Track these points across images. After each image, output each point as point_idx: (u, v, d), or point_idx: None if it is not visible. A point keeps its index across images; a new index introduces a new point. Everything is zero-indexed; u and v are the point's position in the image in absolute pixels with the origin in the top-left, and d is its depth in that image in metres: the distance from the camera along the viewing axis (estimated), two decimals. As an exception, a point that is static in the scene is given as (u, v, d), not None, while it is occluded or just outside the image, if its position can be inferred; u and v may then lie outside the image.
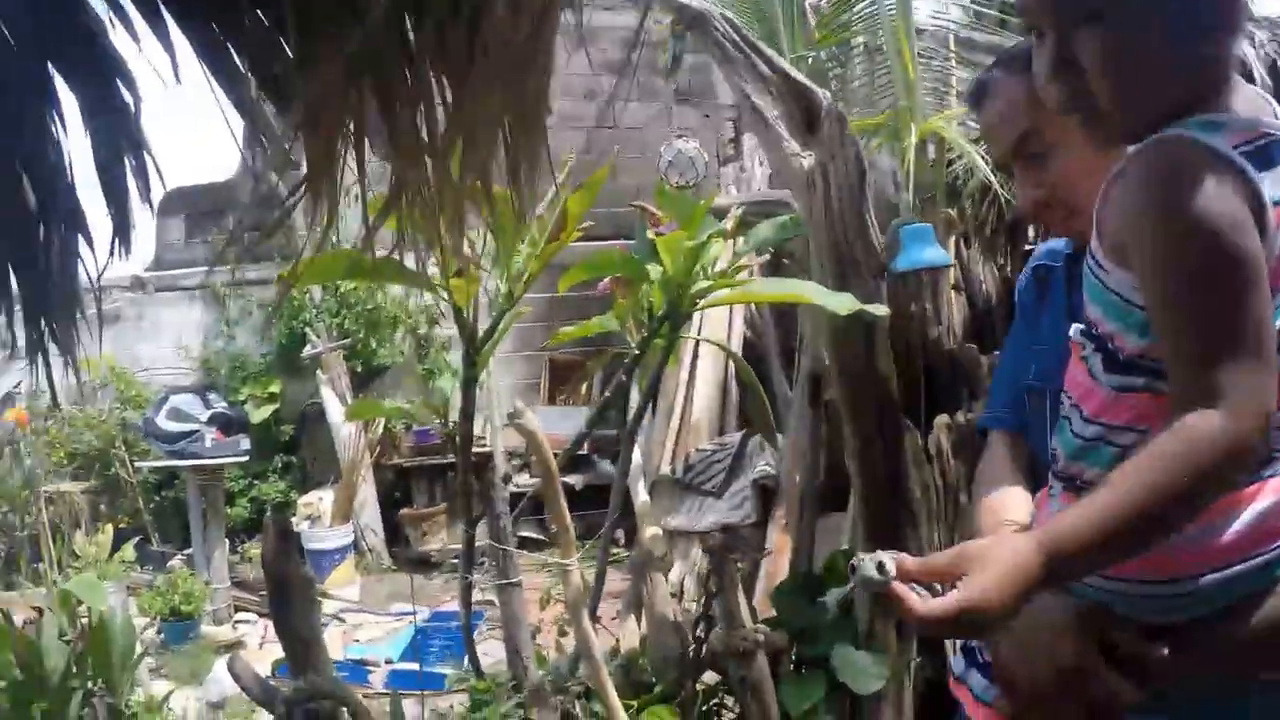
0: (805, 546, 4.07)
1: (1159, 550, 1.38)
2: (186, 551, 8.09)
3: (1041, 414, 1.81)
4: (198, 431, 7.56)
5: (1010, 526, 1.72)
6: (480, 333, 2.98)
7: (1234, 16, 1.42)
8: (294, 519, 8.57)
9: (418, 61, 1.46)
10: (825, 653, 3.14)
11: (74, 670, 4.28)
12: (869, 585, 1.30)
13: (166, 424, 7.71)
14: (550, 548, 6.65)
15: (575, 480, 8.15)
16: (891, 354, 3.34)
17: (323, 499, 8.58)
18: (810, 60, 5.92)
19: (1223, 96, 1.41)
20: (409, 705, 4.13)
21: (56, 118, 2.17)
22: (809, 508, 4.15)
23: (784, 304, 6.00)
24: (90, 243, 2.23)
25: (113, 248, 2.08)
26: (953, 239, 4.55)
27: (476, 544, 3.44)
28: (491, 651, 4.12)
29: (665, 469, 6.94)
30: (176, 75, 1.88)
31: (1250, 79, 1.58)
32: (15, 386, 9.79)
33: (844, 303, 2.95)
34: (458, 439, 3.18)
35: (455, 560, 7.64)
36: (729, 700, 3.49)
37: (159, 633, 6.57)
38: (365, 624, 7.27)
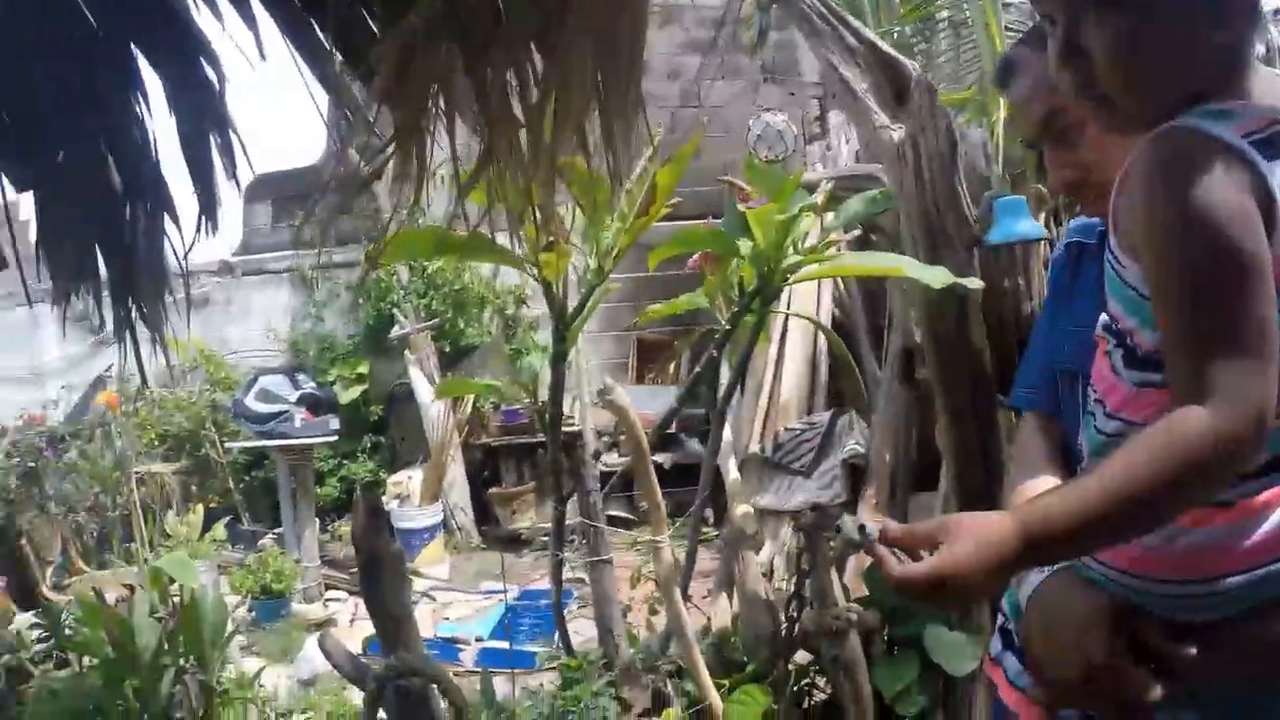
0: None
1: (1187, 551, 1.40)
2: (277, 530, 8.20)
3: (1074, 397, 1.77)
4: (287, 412, 7.65)
5: None
6: (569, 309, 2.96)
7: (1248, 2, 1.38)
8: (383, 498, 8.67)
9: (508, 23, 1.42)
10: (918, 632, 3.10)
11: (166, 648, 4.35)
12: (849, 545, 1.36)
13: (256, 405, 7.81)
14: (639, 526, 6.65)
15: (664, 459, 8.10)
16: (984, 328, 3.28)
17: (411, 478, 8.64)
18: (895, 35, 5.83)
19: (1238, 83, 1.37)
20: (499, 683, 4.15)
21: (141, 99, 2.18)
22: (902, 486, 4.09)
23: (872, 283, 5.92)
24: (176, 222, 2.24)
25: (199, 225, 2.09)
26: (1042, 214, 4.45)
27: (567, 522, 3.43)
28: (581, 630, 4.12)
29: (754, 448, 6.88)
30: (261, 52, 1.87)
31: (1270, 63, 1.51)
32: (106, 370, 10.02)
33: (938, 275, 2.89)
34: (547, 416, 3.17)
35: (545, 539, 7.67)
36: (820, 680, 3.46)
37: (250, 611, 6.66)
38: (455, 602, 7.32)
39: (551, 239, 2.56)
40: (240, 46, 1.90)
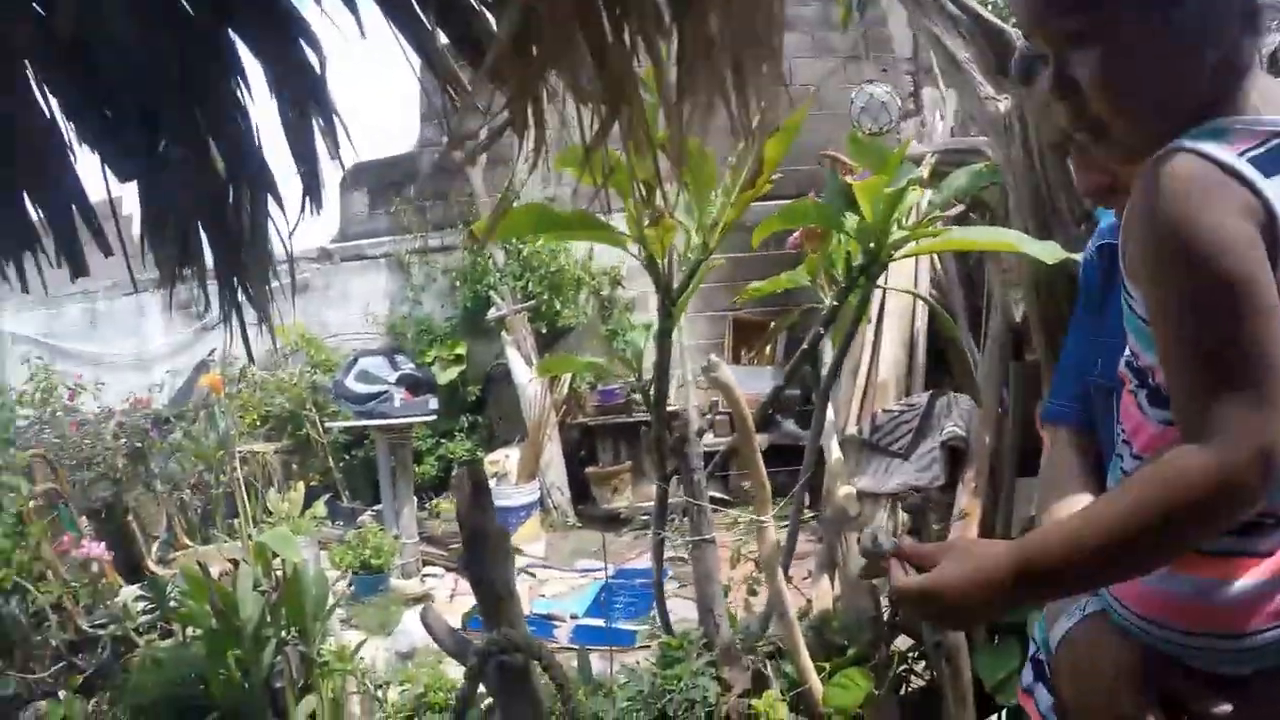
0: (1003, 510, 3.93)
1: (1217, 605, 1.36)
2: (375, 508, 8.32)
3: (1109, 413, 1.65)
4: (386, 392, 7.75)
5: None
6: (674, 285, 2.94)
7: (1238, 12, 1.32)
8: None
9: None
10: (1021, 621, 3.03)
11: (268, 620, 4.43)
12: (866, 553, 1.42)
13: (356, 386, 7.93)
14: (736, 506, 6.60)
15: (761, 440, 8.05)
16: (1096, 306, 3.19)
17: (509, 457, 8.71)
18: (989, 6, 5.70)
19: (1238, 97, 1.32)
20: (594, 660, 4.15)
21: (241, 83, 2.19)
22: (1006, 470, 4.01)
23: (970, 263, 5.80)
24: (281, 205, 2.25)
25: (304, 206, 2.09)
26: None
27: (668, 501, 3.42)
28: (677, 609, 4.10)
29: (851, 429, 6.81)
30: (361, 30, 1.87)
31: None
32: (209, 355, 10.25)
33: (1050, 251, 2.82)
34: (652, 393, 3.15)
35: (644, 517, 7.68)
36: (918, 666, 3.42)
37: (349, 585, 6.76)
38: (550, 580, 7.37)
39: (658, 214, 2.54)
40: (339, 26, 1.90)
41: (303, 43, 2.04)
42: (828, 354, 3.89)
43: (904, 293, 6.34)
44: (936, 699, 3.18)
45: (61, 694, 5.02)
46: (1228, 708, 1.36)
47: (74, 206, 2.58)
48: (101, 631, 5.28)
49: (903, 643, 3.37)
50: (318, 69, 1.97)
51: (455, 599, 6.79)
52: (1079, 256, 2.86)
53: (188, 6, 2.11)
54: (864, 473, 6.50)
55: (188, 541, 7.30)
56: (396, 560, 7.28)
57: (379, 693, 4.50)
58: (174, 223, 2.30)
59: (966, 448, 5.69)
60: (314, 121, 1.96)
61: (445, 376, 9.44)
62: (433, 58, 1.89)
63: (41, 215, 2.68)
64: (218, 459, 7.61)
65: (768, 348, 9.20)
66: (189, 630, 4.88)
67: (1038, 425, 2.17)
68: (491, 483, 8.28)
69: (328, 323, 10.35)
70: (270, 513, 6.79)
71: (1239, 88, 1.32)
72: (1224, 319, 1.22)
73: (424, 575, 7.54)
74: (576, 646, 4.74)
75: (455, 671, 4.80)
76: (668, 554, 4.13)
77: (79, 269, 2.66)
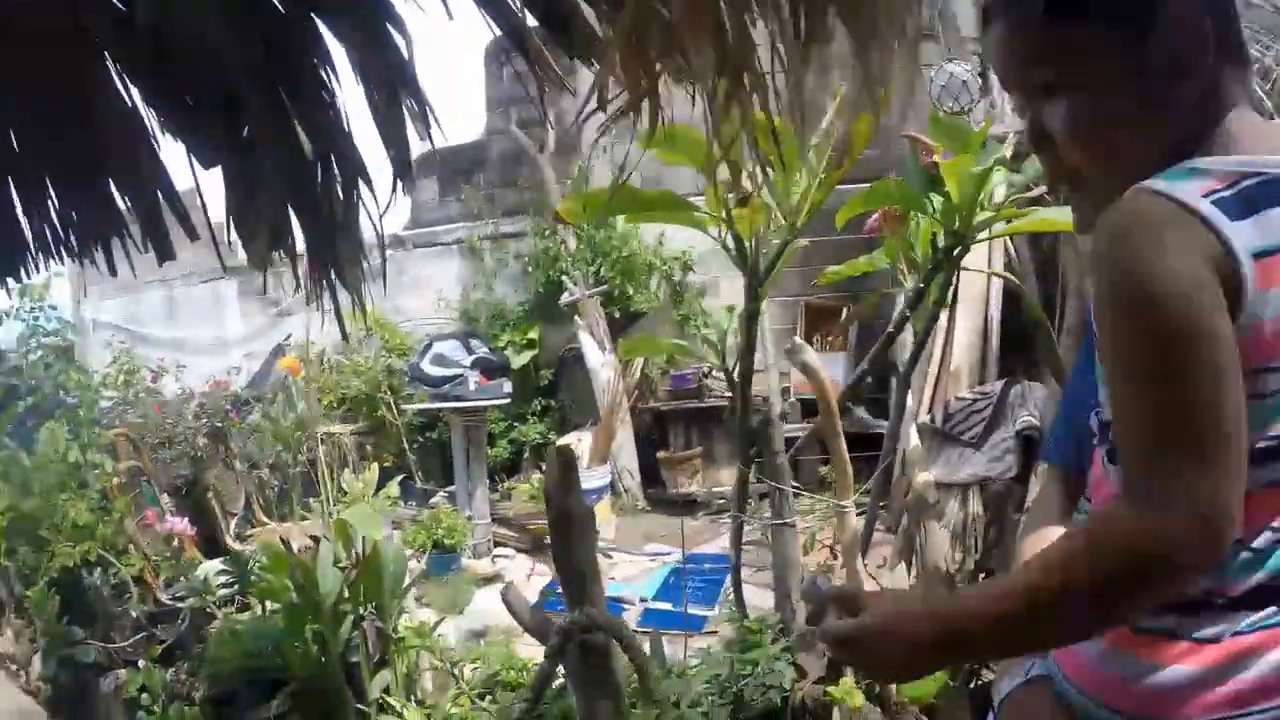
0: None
1: (1156, 689, 1.29)
2: (448, 489, 8.39)
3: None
4: (461, 375, 7.81)
5: None
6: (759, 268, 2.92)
7: (1214, 49, 1.27)
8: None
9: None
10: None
11: (346, 595, 4.49)
12: (805, 596, 1.44)
13: (431, 369, 8.00)
14: (809, 493, 6.58)
15: (834, 426, 8.02)
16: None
17: (581, 440, 8.74)
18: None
19: (1216, 135, 1.27)
20: (663, 645, 4.16)
21: (327, 66, 2.20)
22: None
23: (1044, 249, 5.72)
24: (370, 185, 2.27)
25: (394, 187, 2.10)
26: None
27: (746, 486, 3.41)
28: (749, 595, 4.10)
29: (924, 416, 6.74)
30: (449, 12, 1.87)
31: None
32: (286, 339, 10.39)
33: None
34: (736, 375, 3.14)
35: (720, 501, 7.68)
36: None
37: (422, 564, 6.83)
38: (620, 563, 7.39)
39: (746, 195, 2.53)
40: (424, 8, 1.91)
41: (388, 25, 2.05)
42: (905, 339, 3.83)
43: (990, 274, 6.24)
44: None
45: (141, 663, 5.13)
46: None
47: (159, 193, 2.62)
48: (181, 604, 5.38)
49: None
50: (404, 52, 1.98)
51: (532, 578, 6.85)
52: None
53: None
54: (936, 462, 6.44)
55: (265, 519, 7.42)
56: (468, 541, 7.34)
57: (455, 669, 4.54)
58: (261, 208, 2.32)
59: (1041, 438, 5.62)
60: (403, 104, 1.97)
61: (518, 361, 9.51)
62: (519, 36, 1.89)
63: (127, 202, 2.73)
64: (295, 439, 7.72)
65: (843, 333, 9.13)
66: (268, 604, 4.96)
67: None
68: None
69: (401, 308, 10.45)
70: (345, 493, 6.88)
71: (1219, 125, 1.27)
72: (1173, 373, 1.16)
73: (495, 556, 7.59)
74: (649, 630, 4.76)
75: (526, 651, 4.84)
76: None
77: (165, 254, 2.70)
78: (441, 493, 8.47)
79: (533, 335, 10.01)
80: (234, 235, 2.53)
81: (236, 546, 6.36)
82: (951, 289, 6.95)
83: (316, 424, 7.71)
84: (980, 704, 3.38)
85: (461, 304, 10.64)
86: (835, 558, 3.88)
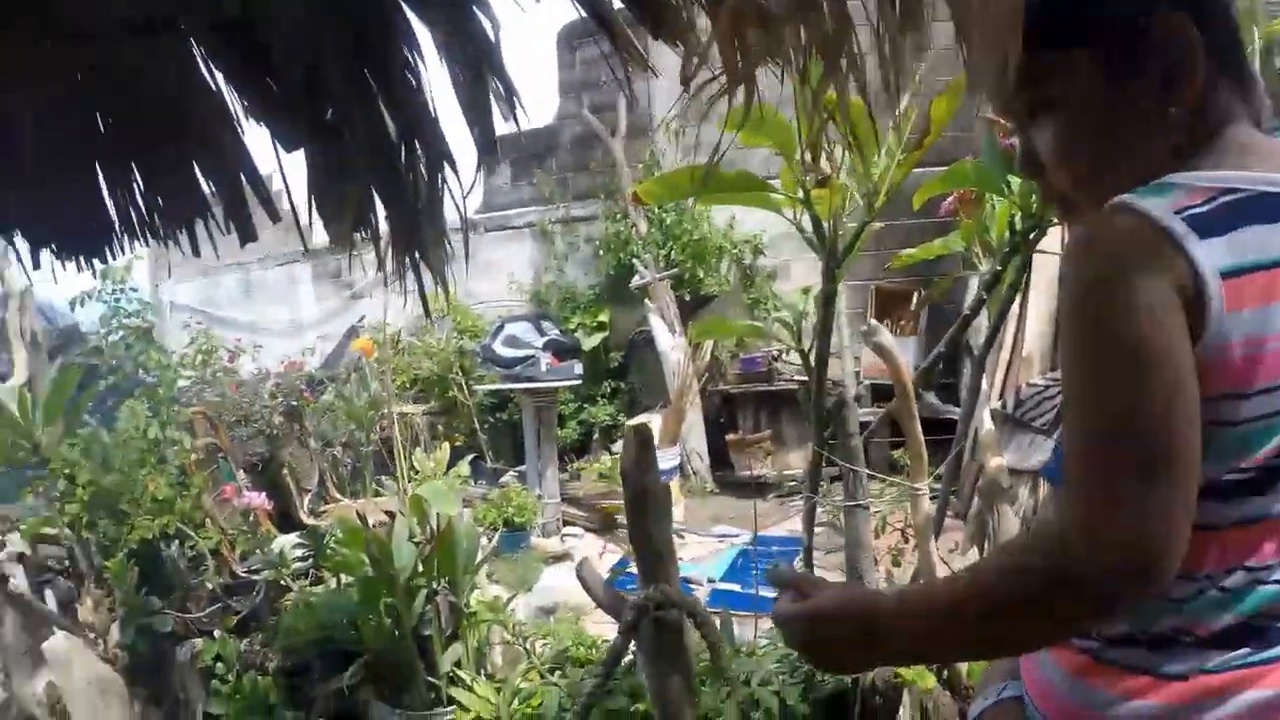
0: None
1: None
2: (518, 469, 8.47)
3: None
4: (533, 357, 7.86)
5: None
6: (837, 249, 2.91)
7: (1194, 74, 1.23)
8: (622, 441, 8.82)
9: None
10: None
11: (420, 570, 4.55)
12: (769, 577, 1.44)
13: (503, 350, 8.07)
14: (880, 476, 6.56)
15: (903, 411, 7.98)
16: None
17: (650, 423, 8.75)
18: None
19: (1203, 153, 1.23)
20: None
21: (413, 50, 2.23)
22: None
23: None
24: (454, 167, 2.29)
25: (480, 166, 2.12)
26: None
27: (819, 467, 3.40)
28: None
29: (995, 402, 6.68)
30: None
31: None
32: (359, 320, 10.52)
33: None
34: (813, 357, 3.13)
35: (791, 484, 7.66)
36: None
37: (492, 541, 6.90)
38: (688, 544, 7.41)
39: (825, 175, 2.53)
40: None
41: (475, 7, 2.06)
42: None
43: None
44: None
45: (216, 633, 5.23)
46: None
47: (242, 175, 2.67)
48: (256, 576, 5.48)
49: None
50: (490, 33, 1.99)
51: (604, 556, 6.90)
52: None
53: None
54: (1007, 448, 6.38)
55: (337, 495, 7.54)
56: (538, 519, 7.41)
57: (526, 644, 4.59)
58: (344, 189, 2.36)
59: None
60: (490, 83, 1.99)
61: (588, 343, 9.57)
62: (605, 19, 1.90)
63: (211, 185, 2.78)
64: (368, 419, 7.82)
65: (913, 317, 9.07)
66: (343, 578, 5.04)
67: None
68: (632, 447, 8.46)
69: (473, 290, 10.54)
70: (416, 471, 6.96)
71: (1209, 143, 1.24)
72: (1122, 390, 1.12)
73: (564, 535, 7.66)
74: (720, 610, 4.77)
75: (595, 628, 4.88)
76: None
77: (247, 235, 2.75)
78: (511, 472, 8.55)
79: (603, 318, 10.06)
80: (313, 218, 2.57)
81: (310, 522, 6.46)
82: (1026, 273, 6.91)
83: (390, 404, 7.80)
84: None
85: (533, 287, 10.73)
86: (907, 541, 3.86)
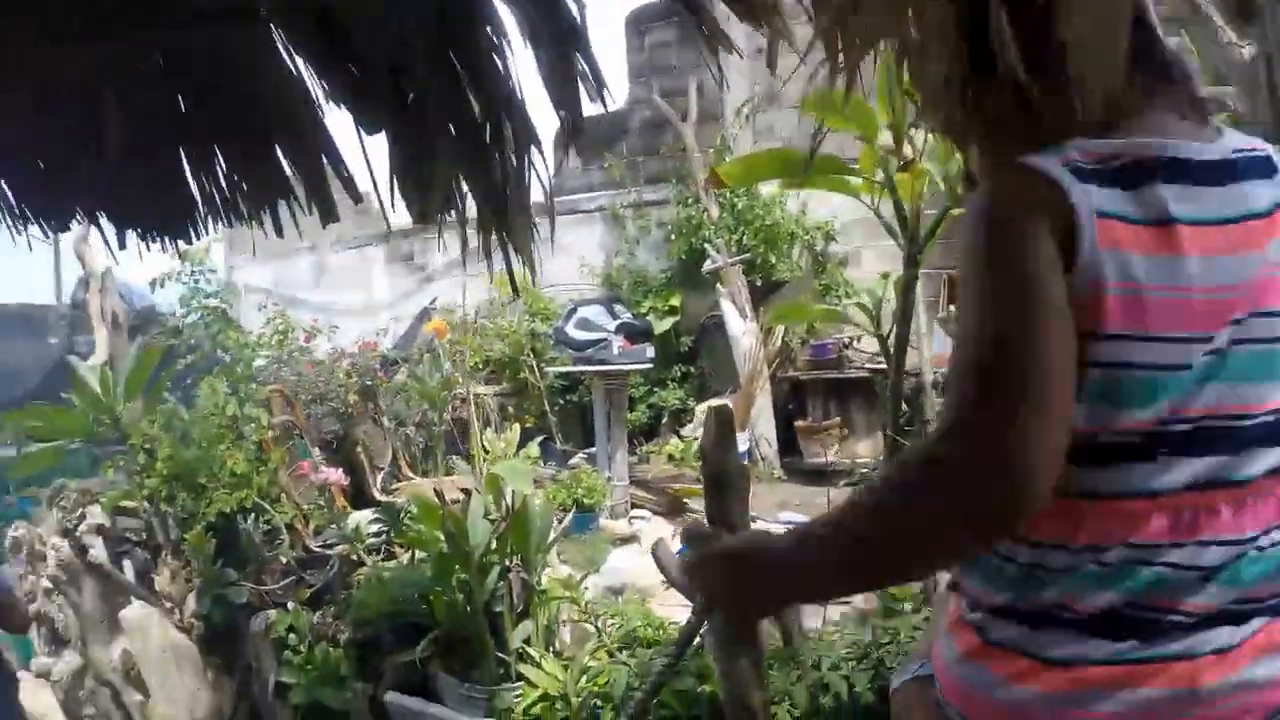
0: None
1: (1004, 705, 1.31)
2: (587, 451, 8.50)
3: None
4: (605, 340, 7.88)
5: None
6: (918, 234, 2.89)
7: (1118, 68, 1.29)
8: (691, 425, 8.84)
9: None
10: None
11: (494, 547, 4.61)
12: (684, 535, 1.53)
13: (575, 333, 8.10)
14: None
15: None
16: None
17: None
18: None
19: (1108, 131, 1.28)
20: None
21: (498, 31, 2.24)
22: None
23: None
24: (540, 147, 2.31)
25: (567, 145, 2.13)
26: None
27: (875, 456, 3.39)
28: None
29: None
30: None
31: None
32: (431, 302, 10.61)
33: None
34: (892, 342, 3.12)
35: (864, 471, 7.61)
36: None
37: (561, 522, 6.94)
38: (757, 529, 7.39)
39: (908, 160, 2.51)
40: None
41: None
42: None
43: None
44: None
45: (290, 605, 5.33)
46: None
47: (324, 157, 2.71)
48: (329, 551, 5.58)
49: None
50: (576, 14, 2.00)
51: (675, 539, 6.91)
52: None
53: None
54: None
55: (409, 474, 7.61)
56: (607, 501, 7.45)
57: (598, 623, 4.63)
58: (428, 170, 2.39)
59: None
60: (576, 62, 2.00)
61: (659, 327, 9.55)
62: (696, 5, 1.90)
63: (292, 167, 2.83)
64: (441, 399, 7.89)
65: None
66: (417, 553, 5.11)
67: None
68: (699, 432, 8.43)
69: (544, 273, 10.57)
70: (487, 451, 7.03)
71: (1122, 121, 1.29)
72: (999, 310, 1.18)
73: (632, 517, 7.68)
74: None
75: (663, 610, 4.91)
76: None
77: (329, 216, 2.80)
78: (581, 454, 8.58)
79: (674, 302, 10.06)
80: (395, 199, 2.60)
81: (383, 499, 6.55)
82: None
83: (468, 384, 7.87)
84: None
85: (604, 270, 10.75)
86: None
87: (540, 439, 8.42)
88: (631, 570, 5.99)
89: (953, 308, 3.14)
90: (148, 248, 3.41)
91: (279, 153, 2.85)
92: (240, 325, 9.55)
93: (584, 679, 4.32)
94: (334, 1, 2.28)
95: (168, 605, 5.96)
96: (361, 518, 5.77)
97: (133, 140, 2.77)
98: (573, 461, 8.23)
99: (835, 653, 3.48)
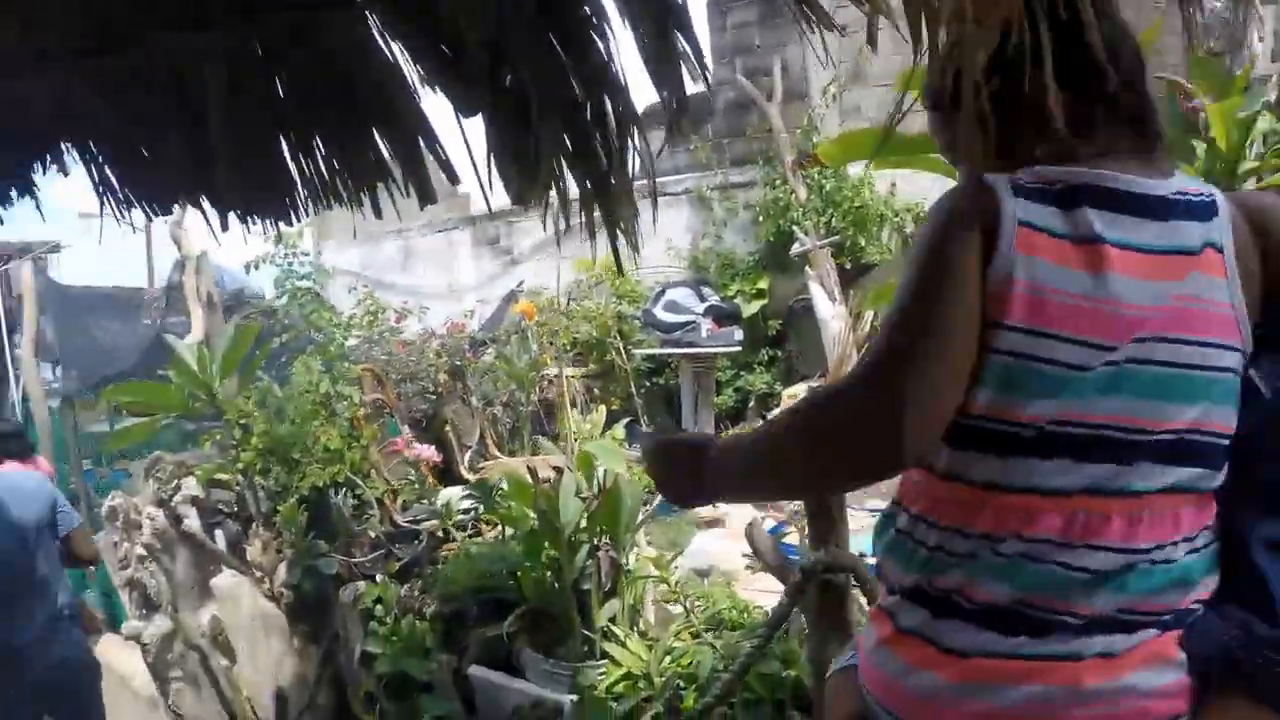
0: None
1: (910, 691, 1.46)
2: (675, 434, 8.49)
3: None
4: (694, 322, 7.89)
5: None
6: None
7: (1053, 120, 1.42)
8: (777, 410, 8.81)
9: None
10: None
11: (584, 525, 4.64)
12: (656, 425, 1.61)
13: (664, 315, 8.12)
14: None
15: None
16: None
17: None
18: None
19: (1075, 161, 1.44)
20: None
21: (597, 11, 2.25)
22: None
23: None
24: (641, 129, 2.32)
25: (670, 126, 2.15)
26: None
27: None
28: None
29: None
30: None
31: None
32: (518, 285, 10.68)
33: None
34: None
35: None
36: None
37: (646, 504, 6.97)
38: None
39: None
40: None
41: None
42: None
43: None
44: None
45: (378, 578, 5.42)
46: None
47: (421, 140, 2.75)
48: (416, 526, 5.66)
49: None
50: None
51: (765, 522, 6.92)
52: None
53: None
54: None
55: (496, 453, 7.69)
56: (692, 484, 7.43)
57: (686, 603, 4.66)
58: (526, 152, 2.40)
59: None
60: (676, 42, 2.00)
61: (747, 310, 9.50)
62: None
63: (389, 150, 2.87)
64: (529, 380, 7.96)
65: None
66: (506, 530, 5.17)
67: None
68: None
69: (632, 255, 10.58)
70: (574, 433, 7.08)
71: (1079, 161, 1.44)
72: (913, 289, 1.39)
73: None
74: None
75: (746, 594, 4.92)
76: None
77: (426, 198, 2.83)
78: (667, 436, 8.57)
79: (762, 285, 9.98)
80: (485, 182, 2.63)
81: (470, 477, 6.63)
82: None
83: (562, 365, 7.93)
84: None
85: (690, 253, 10.72)
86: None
87: (626, 421, 8.46)
88: (717, 553, 6.00)
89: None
90: (249, 230, 3.48)
91: (376, 136, 2.89)
92: (333, 306, 9.72)
93: (668, 659, 4.35)
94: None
95: (258, 575, 6.10)
96: (453, 494, 5.85)
97: (234, 125, 2.83)
98: (658, 444, 8.23)
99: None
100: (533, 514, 4.68)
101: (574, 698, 4.33)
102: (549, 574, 4.67)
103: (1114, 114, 1.48)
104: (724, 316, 8.06)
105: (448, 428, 7.19)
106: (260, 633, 5.94)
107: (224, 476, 6.43)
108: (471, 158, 2.43)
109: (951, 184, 1.57)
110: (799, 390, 8.77)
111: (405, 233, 13.31)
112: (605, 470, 4.76)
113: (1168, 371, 1.37)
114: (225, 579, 6.13)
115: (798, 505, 6.09)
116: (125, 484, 7.75)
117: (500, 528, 5.42)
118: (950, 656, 1.41)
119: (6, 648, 4.45)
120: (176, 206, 3.58)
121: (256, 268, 10.71)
